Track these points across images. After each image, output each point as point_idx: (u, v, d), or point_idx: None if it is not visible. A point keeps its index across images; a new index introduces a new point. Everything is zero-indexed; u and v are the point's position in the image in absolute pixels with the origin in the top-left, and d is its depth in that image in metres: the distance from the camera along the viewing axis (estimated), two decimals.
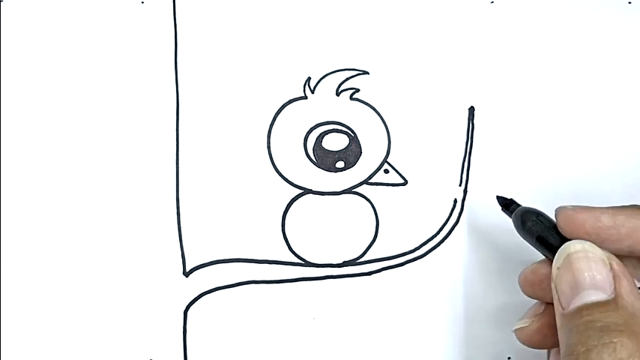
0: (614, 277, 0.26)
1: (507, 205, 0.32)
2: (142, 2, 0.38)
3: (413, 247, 0.37)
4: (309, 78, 0.38)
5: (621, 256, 0.28)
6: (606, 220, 0.28)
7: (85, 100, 0.37)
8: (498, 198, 0.33)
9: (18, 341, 0.36)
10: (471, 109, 0.37)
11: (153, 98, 0.37)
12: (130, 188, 0.37)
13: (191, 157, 0.37)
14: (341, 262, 0.37)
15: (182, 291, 0.36)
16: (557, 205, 0.30)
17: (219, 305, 0.36)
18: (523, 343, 0.31)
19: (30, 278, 0.36)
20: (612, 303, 0.26)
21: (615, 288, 0.26)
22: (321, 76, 0.37)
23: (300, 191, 0.37)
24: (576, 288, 0.26)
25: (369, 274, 0.37)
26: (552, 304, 0.28)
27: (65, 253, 0.36)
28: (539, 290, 0.31)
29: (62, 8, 0.38)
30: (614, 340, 0.24)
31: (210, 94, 0.37)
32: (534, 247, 0.31)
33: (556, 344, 0.28)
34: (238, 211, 0.37)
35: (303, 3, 0.38)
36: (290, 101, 0.37)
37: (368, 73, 0.37)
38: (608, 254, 0.27)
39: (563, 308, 0.27)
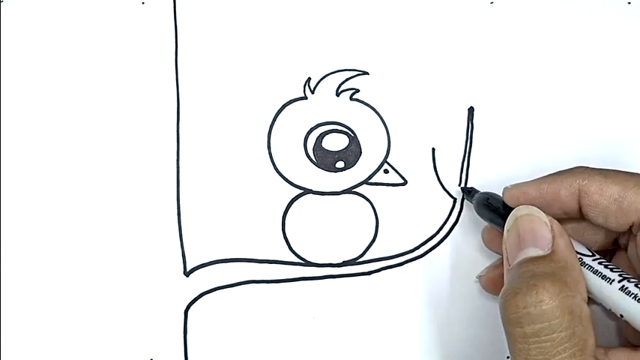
0: (554, 236, 0.29)
1: (469, 192, 0.36)
2: (143, 3, 0.38)
3: (412, 247, 0.37)
4: (310, 78, 0.38)
5: (574, 219, 0.31)
6: (532, 191, 0.31)
7: (85, 100, 0.37)
8: (462, 189, 0.37)
9: (18, 341, 0.36)
10: (471, 110, 0.37)
11: (153, 99, 0.37)
12: (131, 188, 0.37)
13: (191, 157, 0.37)
14: (341, 261, 0.37)
15: (182, 290, 0.36)
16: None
17: (220, 305, 0.36)
18: (483, 288, 0.35)
19: (30, 278, 0.36)
20: (547, 257, 0.28)
21: (552, 245, 0.28)
22: (321, 77, 0.37)
23: (300, 191, 0.37)
24: (520, 245, 0.29)
25: (369, 273, 0.37)
26: None
27: (65, 253, 0.36)
28: (494, 246, 0.35)
29: (62, 8, 0.38)
30: (538, 284, 0.26)
31: (210, 95, 0.37)
32: (488, 222, 0.34)
33: None
34: (238, 211, 0.37)
35: (303, 3, 0.38)
36: (290, 101, 0.37)
37: (368, 74, 0.38)
38: (550, 218, 0.30)
39: (509, 265, 0.29)
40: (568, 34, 0.38)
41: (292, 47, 0.38)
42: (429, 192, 0.37)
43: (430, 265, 0.37)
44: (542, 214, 0.30)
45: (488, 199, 0.34)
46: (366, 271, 0.37)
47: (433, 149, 0.37)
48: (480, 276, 0.35)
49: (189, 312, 0.36)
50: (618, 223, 0.29)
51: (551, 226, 0.29)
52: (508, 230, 0.30)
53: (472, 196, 0.35)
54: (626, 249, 0.31)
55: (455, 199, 0.37)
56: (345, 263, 0.37)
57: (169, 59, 0.38)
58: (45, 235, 0.37)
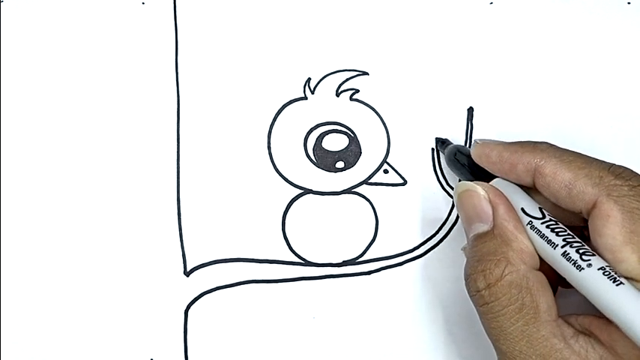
0: (493, 209, 0.30)
1: (443, 142, 0.36)
2: (143, 3, 0.38)
3: (412, 247, 0.37)
4: (310, 79, 0.38)
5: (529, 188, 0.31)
6: (494, 156, 0.31)
7: (85, 100, 0.37)
8: (436, 139, 0.37)
9: (18, 341, 0.36)
10: (470, 110, 0.37)
11: (154, 99, 0.37)
12: (131, 188, 0.37)
13: (192, 158, 0.37)
14: (341, 261, 0.37)
15: (183, 290, 0.36)
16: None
17: (220, 305, 0.36)
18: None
19: (30, 278, 0.36)
20: (490, 233, 0.30)
21: (493, 218, 0.30)
22: (321, 77, 0.38)
23: (300, 191, 0.37)
24: (468, 223, 0.31)
25: (369, 273, 0.37)
26: None
27: (66, 253, 0.36)
28: None
29: (62, 8, 0.38)
30: (485, 269, 0.29)
31: (210, 95, 0.37)
32: (458, 175, 0.35)
33: None
34: (239, 211, 0.37)
35: (303, 3, 0.38)
36: (290, 102, 0.37)
37: (368, 74, 0.38)
38: (489, 187, 0.31)
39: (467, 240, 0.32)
40: (568, 34, 0.38)
41: (292, 47, 0.38)
42: (429, 192, 0.37)
43: (430, 265, 0.37)
44: (479, 189, 0.31)
45: (456, 153, 0.34)
46: (366, 270, 0.37)
47: (433, 149, 0.37)
48: (464, 248, 0.35)
49: (189, 312, 0.36)
50: (567, 207, 0.29)
51: (489, 199, 0.31)
52: (457, 207, 0.32)
53: (445, 148, 0.36)
54: None
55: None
56: (344, 263, 0.37)
57: (169, 59, 0.38)
58: (45, 235, 0.37)
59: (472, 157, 0.33)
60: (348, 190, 0.37)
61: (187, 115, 0.37)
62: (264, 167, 0.37)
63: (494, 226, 0.30)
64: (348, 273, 0.37)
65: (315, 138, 0.37)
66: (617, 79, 0.37)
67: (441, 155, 0.37)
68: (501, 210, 0.30)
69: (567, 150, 0.30)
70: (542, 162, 0.30)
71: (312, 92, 0.38)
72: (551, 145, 0.31)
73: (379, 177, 0.37)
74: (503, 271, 0.28)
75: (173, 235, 0.37)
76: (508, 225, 0.30)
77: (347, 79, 0.38)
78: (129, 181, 0.37)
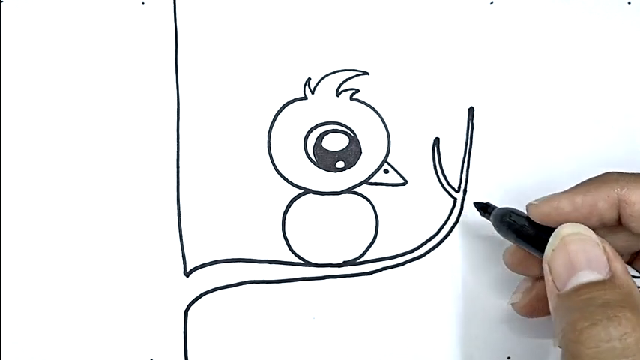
0: (608, 259, 0.27)
1: (484, 208, 0.34)
2: (143, 3, 0.38)
3: (413, 247, 0.37)
4: (310, 78, 0.38)
5: (610, 228, 0.29)
6: (566, 206, 0.29)
7: (85, 100, 0.37)
8: (475, 204, 0.35)
9: (18, 341, 0.36)
10: (471, 110, 0.37)
11: (153, 99, 0.37)
12: (131, 188, 0.37)
13: (191, 158, 0.37)
14: (341, 261, 0.37)
15: (183, 291, 0.36)
16: None
17: (220, 305, 0.36)
18: (518, 313, 0.34)
19: (30, 278, 0.36)
20: (609, 282, 0.26)
21: (610, 268, 0.27)
22: (321, 77, 0.37)
23: (300, 191, 0.37)
24: (572, 269, 0.27)
25: (369, 273, 0.37)
26: (539, 278, 0.30)
27: (65, 254, 0.36)
28: (521, 268, 0.33)
29: (62, 8, 0.38)
30: (619, 315, 0.24)
31: (210, 95, 0.37)
32: (513, 241, 0.32)
33: (547, 313, 0.29)
34: (238, 211, 0.37)
35: (303, 3, 0.38)
36: (290, 101, 0.37)
37: (368, 74, 0.38)
38: (600, 238, 0.28)
39: (558, 289, 0.27)
40: (568, 34, 0.38)
41: (292, 47, 0.38)
42: (429, 192, 0.37)
43: (430, 266, 0.37)
44: (593, 234, 0.28)
45: (510, 216, 0.32)
46: (367, 271, 0.37)
47: (433, 149, 0.37)
48: (513, 303, 0.34)
49: (189, 312, 0.36)
50: None
51: (604, 247, 0.27)
52: (554, 250, 0.28)
53: (487, 211, 0.33)
54: None
55: (455, 199, 0.37)
56: (345, 263, 0.37)
57: (169, 59, 0.38)
58: (45, 235, 0.37)
59: (533, 218, 0.30)
60: (348, 190, 0.37)
61: (187, 115, 0.37)
62: (264, 167, 0.37)
63: (613, 276, 0.26)
64: (349, 273, 0.37)
65: (315, 138, 0.37)
66: (617, 79, 0.37)
67: (484, 219, 0.34)
68: (621, 262, 0.27)
69: (636, 173, 0.28)
70: (625, 190, 0.28)
71: (312, 92, 0.38)
72: (619, 172, 0.29)
73: (379, 177, 0.37)
74: (638, 323, 0.24)
75: (173, 235, 0.37)
76: (629, 278, 0.27)
77: (347, 79, 0.37)
78: (129, 182, 0.37)
